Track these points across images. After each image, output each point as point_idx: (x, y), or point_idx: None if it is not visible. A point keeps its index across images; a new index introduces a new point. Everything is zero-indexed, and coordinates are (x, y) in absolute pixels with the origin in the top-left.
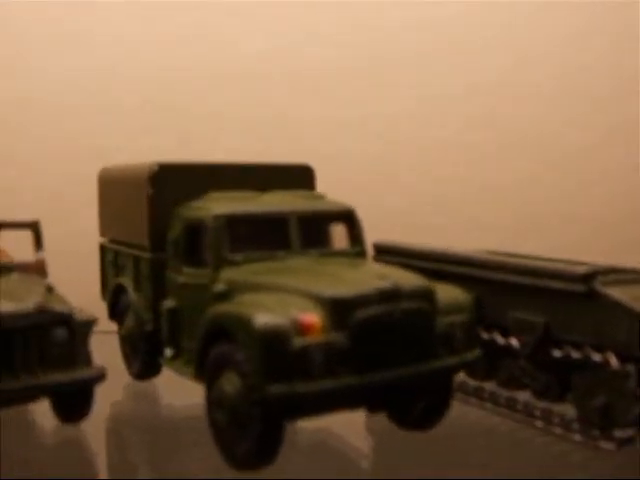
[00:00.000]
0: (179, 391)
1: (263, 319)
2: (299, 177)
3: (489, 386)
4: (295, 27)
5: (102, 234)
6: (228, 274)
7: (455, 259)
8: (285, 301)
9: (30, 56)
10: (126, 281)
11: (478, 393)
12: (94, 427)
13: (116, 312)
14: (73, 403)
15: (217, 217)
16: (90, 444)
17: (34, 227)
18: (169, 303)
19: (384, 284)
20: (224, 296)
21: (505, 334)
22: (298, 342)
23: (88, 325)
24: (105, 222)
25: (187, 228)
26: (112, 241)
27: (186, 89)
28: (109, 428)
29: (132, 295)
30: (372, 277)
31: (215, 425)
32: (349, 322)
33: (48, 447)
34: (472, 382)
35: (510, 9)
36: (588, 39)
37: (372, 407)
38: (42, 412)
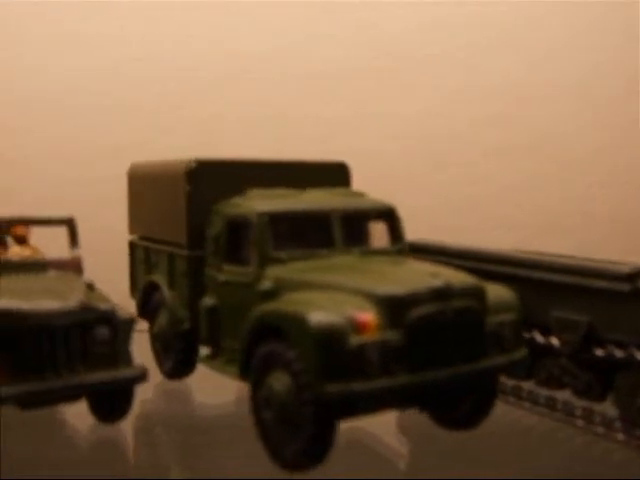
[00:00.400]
0: (211, 389)
1: (319, 317)
2: (335, 174)
3: (527, 385)
4: (317, 27)
5: (131, 231)
6: (274, 272)
7: (494, 258)
8: (338, 299)
9: (52, 57)
10: (159, 278)
11: (516, 392)
12: (126, 426)
13: (147, 310)
14: (112, 403)
15: (261, 214)
16: (122, 443)
17: (70, 223)
18: (208, 301)
19: (437, 282)
20: (271, 294)
21: (545, 333)
22: (355, 341)
23: (130, 323)
24: (135, 219)
25: (229, 225)
26: (143, 238)
27: (207, 88)
28: (141, 427)
29: (166, 293)
30: (424, 275)
31: (262, 424)
32: (404, 320)
33: (79, 446)
34: (510, 381)
35: (532, 9)
36: (606, 38)
37: (420, 406)
38: (73, 410)
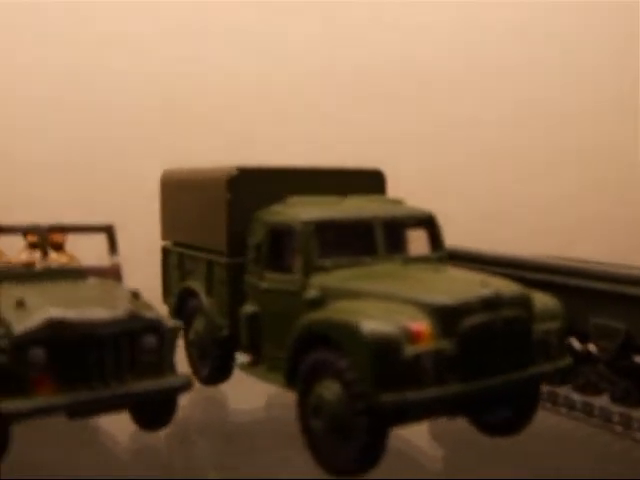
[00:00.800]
0: (246, 395)
1: (374, 327)
2: (371, 182)
3: (563, 391)
4: (356, 31)
5: (164, 237)
6: (319, 280)
7: (531, 265)
8: (390, 309)
9: (84, 59)
10: (196, 285)
11: (552, 398)
12: (163, 432)
13: (181, 316)
14: (156, 411)
15: (306, 223)
16: (159, 449)
17: (109, 231)
18: (249, 308)
19: (487, 292)
20: (317, 303)
21: (583, 340)
22: (410, 350)
23: (175, 332)
24: (169, 225)
25: (271, 233)
26: (177, 244)
27: (242, 92)
28: (177, 433)
29: (204, 299)
30: (474, 285)
31: (311, 432)
32: (456, 330)
33: (117, 453)
34: (546, 387)
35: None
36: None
37: (468, 413)
38: (110, 417)
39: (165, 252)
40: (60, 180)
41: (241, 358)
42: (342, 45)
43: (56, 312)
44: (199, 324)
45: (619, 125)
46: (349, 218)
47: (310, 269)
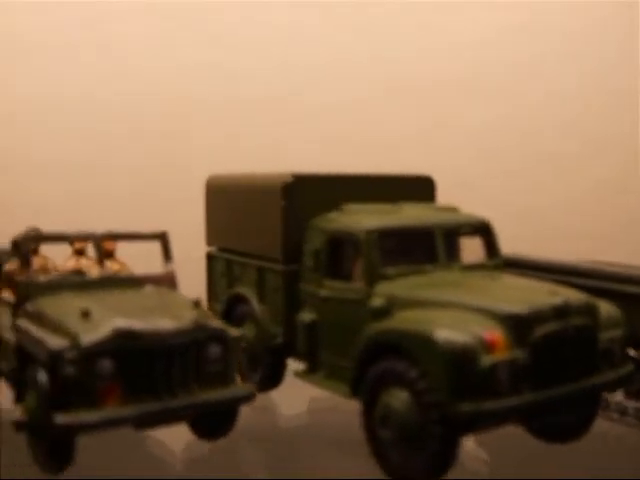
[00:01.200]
0: (294, 401)
1: (449, 337)
2: (421, 188)
3: (615, 397)
4: (392, 35)
5: (209, 243)
6: (384, 289)
7: (585, 271)
8: (462, 318)
9: (121, 60)
10: (247, 292)
11: (605, 404)
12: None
13: (228, 322)
14: (217, 420)
15: (370, 231)
16: (209, 456)
17: (163, 238)
18: (307, 316)
19: (557, 300)
20: (383, 312)
21: (636, 346)
22: (486, 360)
23: (239, 341)
24: (215, 231)
25: (331, 241)
26: (223, 250)
27: (278, 98)
28: (227, 440)
29: (256, 306)
30: (542, 293)
31: (378, 441)
32: (528, 339)
33: (167, 460)
34: None
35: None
36: None
37: (538, 422)
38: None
39: (210, 258)
40: (93, 185)
41: (297, 366)
42: (379, 48)
43: (123, 323)
44: (249, 331)
45: None
46: (411, 226)
47: (374, 277)
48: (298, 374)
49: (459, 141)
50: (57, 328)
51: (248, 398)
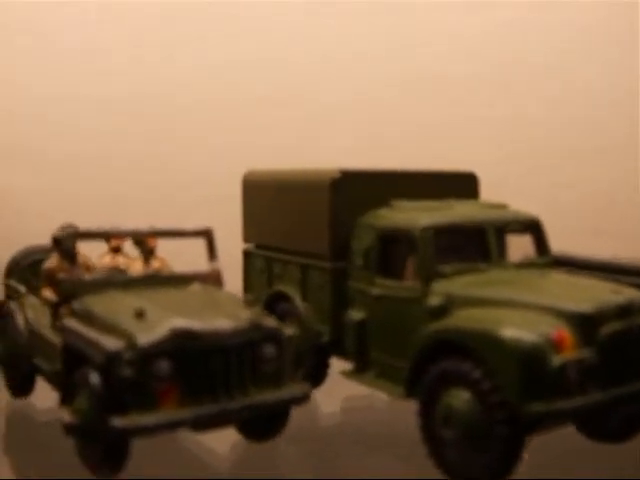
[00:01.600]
0: (333, 399)
1: (518, 336)
2: (465, 185)
3: None
4: (424, 29)
5: (246, 239)
6: (441, 287)
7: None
8: (527, 316)
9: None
10: (289, 289)
11: None
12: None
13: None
14: (269, 422)
15: (425, 228)
16: (249, 455)
17: (208, 235)
18: (356, 315)
19: (620, 299)
20: (442, 310)
21: None
22: (557, 359)
23: (292, 340)
24: (253, 227)
25: (382, 238)
26: (262, 247)
27: (306, 90)
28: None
29: (299, 304)
30: (604, 292)
31: (436, 441)
32: (594, 338)
33: (204, 459)
34: None
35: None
36: None
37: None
38: None
39: (247, 255)
40: (118, 183)
41: (351, 365)
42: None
43: (181, 322)
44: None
45: None
46: (464, 223)
47: (430, 275)
48: (345, 373)
49: (484, 137)
50: (110, 328)
51: (303, 398)
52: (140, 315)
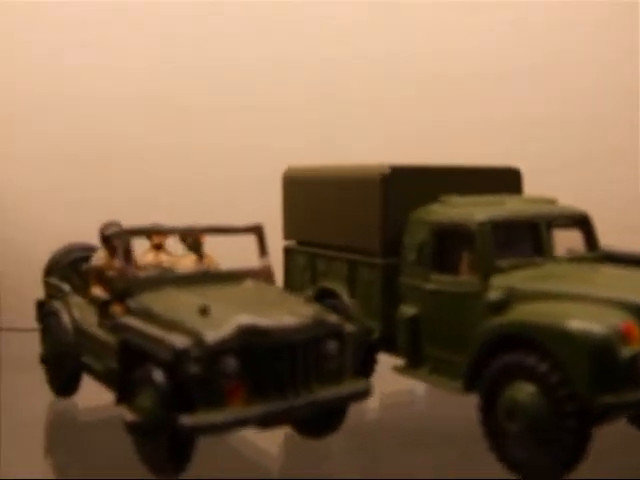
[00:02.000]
0: (379, 395)
1: (588, 328)
2: (509, 180)
3: None
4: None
5: (287, 236)
6: (501, 281)
7: None
8: (593, 309)
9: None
10: (336, 286)
11: None
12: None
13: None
14: (327, 418)
15: (483, 223)
16: (290, 449)
17: (258, 231)
18: (409, 310)
19: None
20: (502, 305)
21: None
22: (626, 351)
23: (354, 337)
24: (294, 224)
25: (437, 234)
26: (304, 243)
27: (340, 90)
28: None
29: (347, 301)
30: None
31: (499, 436)
32: None
33: (244, 454)
34: None
35: None
36: None
37: None
38: None
39: (288, 252)
40: (156, 180)
41: (404, 361)
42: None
43: (247, 319)
44: None
45: None
46: (519, 217)
47: (489, 270)
48: (398, 369)
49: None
50: (173, 325)
51: (365, 394)
52: (205, 312)
